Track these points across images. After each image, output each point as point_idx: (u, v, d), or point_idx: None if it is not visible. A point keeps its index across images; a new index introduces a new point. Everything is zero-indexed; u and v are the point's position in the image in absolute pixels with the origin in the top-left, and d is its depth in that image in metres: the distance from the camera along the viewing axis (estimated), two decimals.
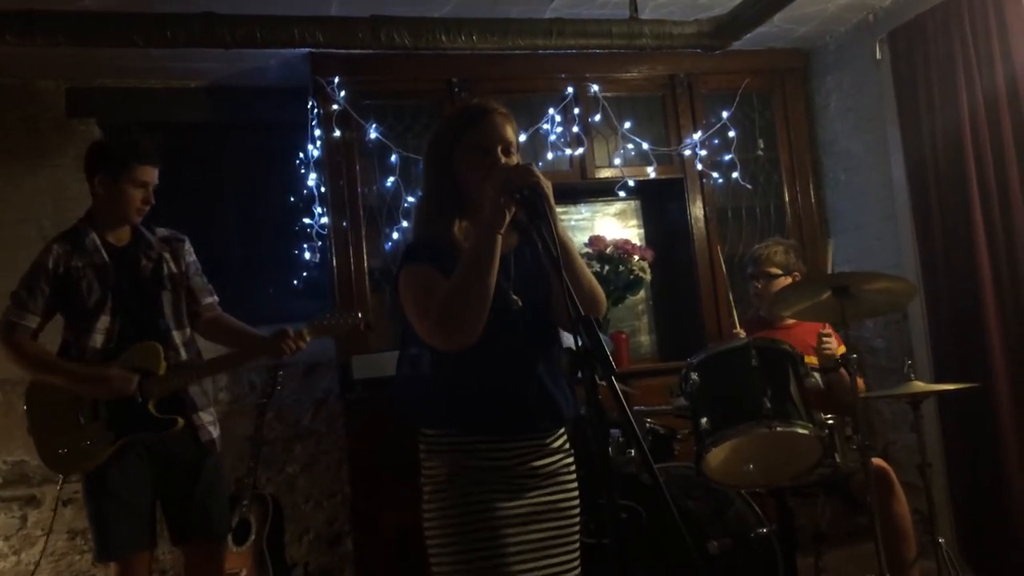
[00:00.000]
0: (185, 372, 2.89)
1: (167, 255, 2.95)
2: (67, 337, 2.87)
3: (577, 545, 1.97)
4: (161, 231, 3.01)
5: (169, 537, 2.94)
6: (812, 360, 3.31)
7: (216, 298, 3.13)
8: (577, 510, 1.99)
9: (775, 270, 3.58)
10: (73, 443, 2.81)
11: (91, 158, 2.88)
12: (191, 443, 2.89)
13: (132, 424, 2.80)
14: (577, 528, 1.99)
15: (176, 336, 2.92)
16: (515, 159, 1.95)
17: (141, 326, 2.86)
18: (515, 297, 1.92)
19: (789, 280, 3.56)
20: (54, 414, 2.84)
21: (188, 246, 3.04)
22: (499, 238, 1.79)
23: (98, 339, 2.82)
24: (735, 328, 3.54)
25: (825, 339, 3.32)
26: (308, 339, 2.95)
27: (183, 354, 2.93)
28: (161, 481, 2.88)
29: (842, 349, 3.20)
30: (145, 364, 2.82)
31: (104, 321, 2.82)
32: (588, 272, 1.97)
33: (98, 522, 2.79)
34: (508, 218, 1.79)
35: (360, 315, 3.10)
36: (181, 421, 2.84)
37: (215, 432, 2.97)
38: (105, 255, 2.85)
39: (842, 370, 3.22)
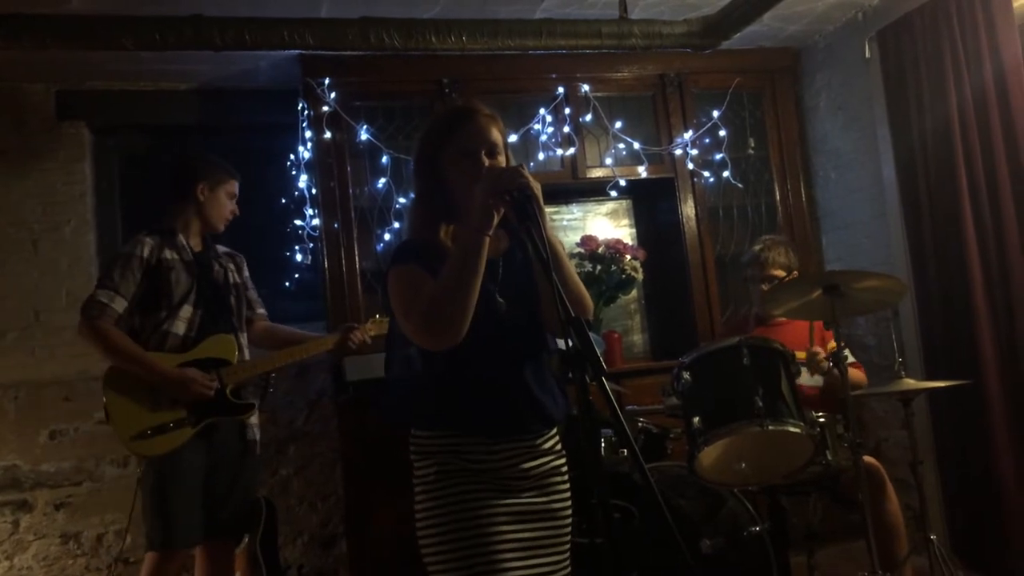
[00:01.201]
0: (258, 360, 3.13)
1: (232, 266, 3.26)
2: (143, 325, 3.00)
3: (568, 546, 1.98)
4: (221, 248, 3.30)
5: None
6: (803, 356, 3.31)
7: (265, 311, 3.42)
8: (569, 512, 2.00)
9: (780, 272, 3.57)
10: (159, 425, 2.91)
11: (192, 167, 3.18)
12: (239, 440, 3.09)
13: (213, 408, 2.98)
14: (568, 530, 1.99)
15: (242, 337, 3.18)
16: (501, 160, 1.95)
17: (217, 320, 3.08)
18: (501, 300, 1.93)
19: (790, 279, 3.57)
20: (136, 398, 2.93)
21: (243, 262, 3.37)
22: (486, 240, 1.79)
23: (180, 327, 2.99)
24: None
25: (815, 356, 3.30)
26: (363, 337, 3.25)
27: (246, 354, 3.17)
28: (212, 475, 3.02)
29: (831, 345, 3.20)
30: (221, 353, 3.03)
31: (187, 311, 3.01)
32: (575, 274, 1.98)
33: (162, 508, 2.90)
34: (496, 220, 1.79)
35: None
36: (256, 404, 3.10)
37: (259, 433, 3.19)
38: (192, 253, 3.10)
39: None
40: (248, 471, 3.14)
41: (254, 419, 3.15)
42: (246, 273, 3.35)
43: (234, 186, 3.22)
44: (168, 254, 3.02)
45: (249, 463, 3.15)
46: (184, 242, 3.09)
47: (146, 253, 2.98)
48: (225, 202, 3.19)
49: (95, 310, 2.90)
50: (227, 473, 3.06)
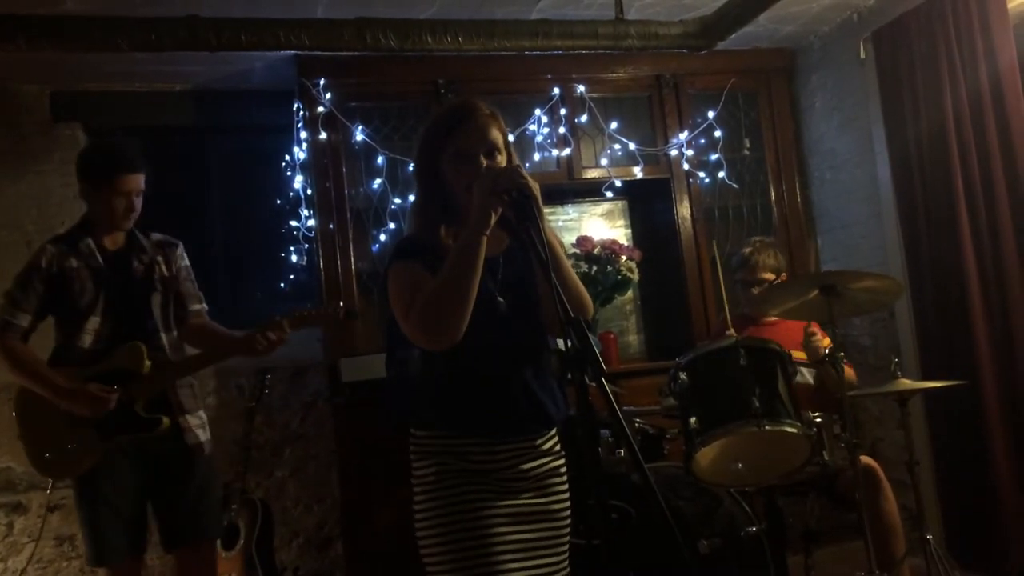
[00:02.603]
0: (167, 370, 2.89)
1: (160, 259, 2.98)
2: (58, 339, 2.88)
3: (567, 547, 1.98)
4: (156, 236, 3.04)
5: (160, 541, 2.93)
6: (799, 355, 3.32)
7: (205, 306, 3.14)
8: (568, 513, 1.99)
9: (770, 275, 3.59)
10: (59, 447, 2.80)
11: (77, 168, 2.93)
12: (178, 446, 2.88)
13: (118, 426, 2.78)
14: (567, 531, 1.99)
15: (164, 337, 2.94)
16: (501, 160, 1.94)
17: (129, 327, 2.86)
18: (500, 299, 1.92)
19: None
20: (42, 418, 2.82)
21: (181, 251, 3.07)
22: (484, 240, 1.79)
23: (87, 339, 2.82)
24: (728, 329, 3.52)
25: (812, 337, 3.33)
26: (288, 331, 2.90)
27: (170, 356, 2.93)
28: (150, 485, 2.88)
29: (827, 342, 3.21)
30: (129, 364, 2.82)
31: (94, 322, 2.82)
32: (574, 274, 1.97)
33: (90, 527, 2.78)
34: (493, 219, 1.79)
35: (341, 304, 3.15)
36: (166, 421, 2.82)
37: (204, 435, 2.95)
38: (100, 258, 2.88)
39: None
40: (197, 476, 2.90)
41: (195, 421, 2.92)
42: (183, 263, 3.06)
43: (129, 182, 2.84)
44: (72, 262, 2.83)
45: (199, 467, 2.91)
46: (92, 246, 2.86)
47: (44, 263, 2.81)
48: (114, 203, 2.84)
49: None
50: (171, 480, 2.87)
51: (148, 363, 2.83)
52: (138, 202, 2.90)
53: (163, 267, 2.98)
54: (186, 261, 3.09)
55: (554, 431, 2.02)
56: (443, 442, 1.90)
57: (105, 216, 2.88)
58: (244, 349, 2.90)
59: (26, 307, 2.82)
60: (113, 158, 2.88)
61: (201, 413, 3.00)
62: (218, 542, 3.46)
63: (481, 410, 1.91)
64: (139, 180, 2.89)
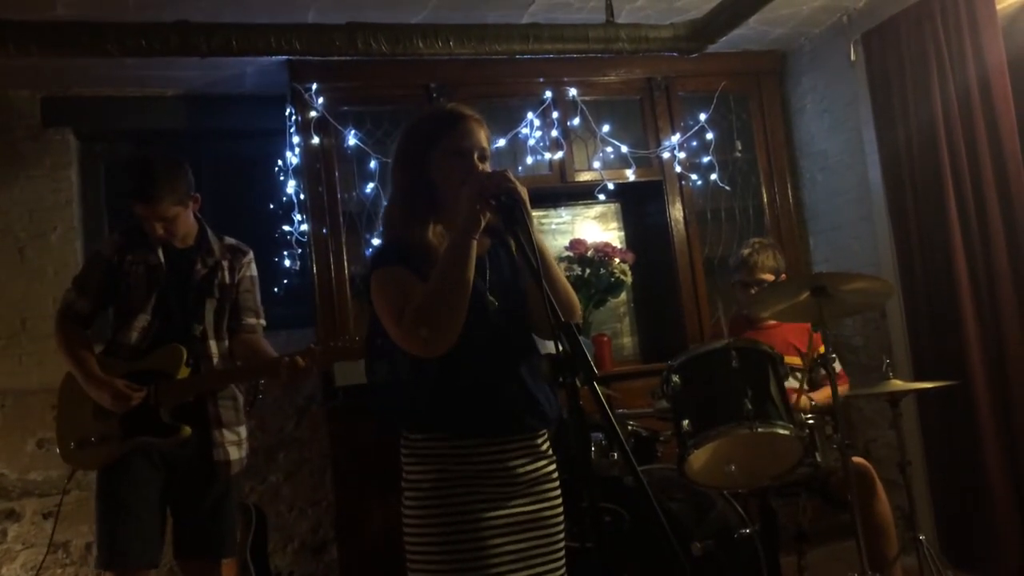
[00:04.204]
0: (200, 379, 2.83)
1: (225, 264, 2.92)
2: (112, 331, 2.87)
3: (562, 555, 1.96)
4: (229, 240, 3.00)
5: (173, 550, 2.88)
6: (794, 360, 3.32)
7: (262, 322, 3.04)
8: (561, 519, 1.98)
9: (769, 276, 3.58)
10: (82, 437, 2.79)
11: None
12: (204, 458, 2.81)
13: (140, 426, 2.75)
14: (562, 538, 1.97)
15: (213, 345, 2.87)
16: (488, 166, 1.94)
17: (177, 330, 2.82)
18: (491, 298, 1.93)
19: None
20: (75, 406, 2.82)
21: (250, 259, 3.01)
22: (474, 244, 1.79)
23: (133, 336, 2.80)
24: (723, 332, 3.50)
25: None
26: (314, 362, 2.77)
27: (216, 365, 2.86)
28: (171, 491, 2.83)
29: (821, 348, 3.22)
30: (164, 366, 2.78)
31: (143, 319, 2.80)
32: (563, 277, 1.97)
33: (104, 527, 2.73)
34: (482, 224, 1.79)
35: (357, 337, 3.02)
36: (186, 431, 2.76)
37: (236, 453, 2.86)
38: (161, 256, 2.84)
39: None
40: (214, 495, 2.83)
41: (231, 436, 2.85)
42: (249, 273, 2.98)
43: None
44: (131, 256, 2.81)
45: (217, 485, 2.83)
46: (154, 242, 2.82)
47: (107, 252, 2.82)
48: (151, 226, 2.78)
49: (61, 309, 2.84)
50: (191, 491, 2.82)
51: (186, 369, 2.79)
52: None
53: (226, 273, 2.91)
54: (253, 271, 3.01)
55: (546, 432, 2.01)
56: (442, 444, 1.89)
57: (150, 235, 2.81)
58: (269, 372, 2.81)
59: (86, 292, 2.83)
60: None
61: (241, 429, 2.91)
62: None
63: (481, 409, 1.89)
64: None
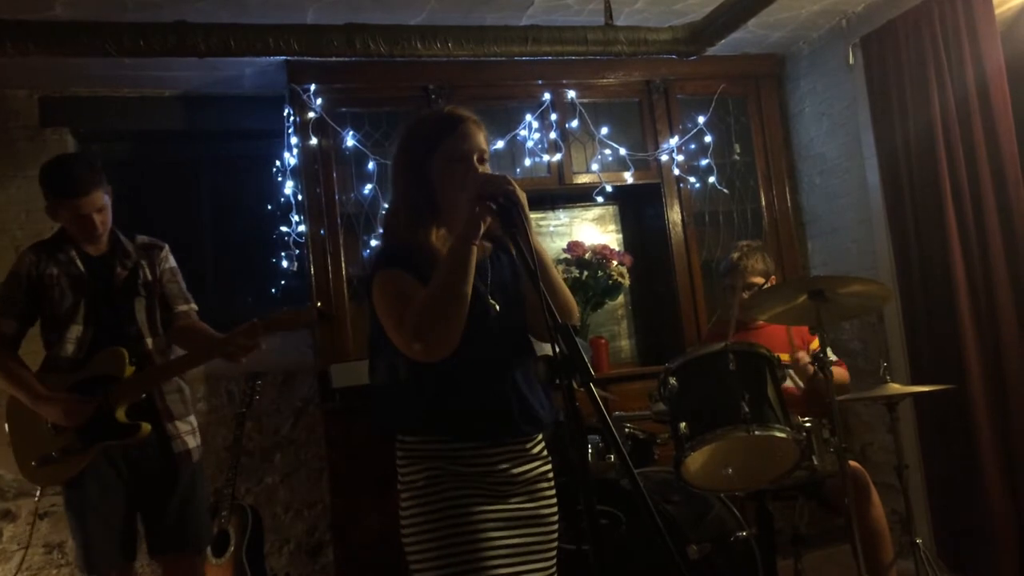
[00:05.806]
0: (149, 375, 2.86)
1: (144, 262, 2.94)
2: (45, 347, 2.86)
3: (555, 553, 1.97)
4: (141, 238, 3.01)
5: (147, 548, 2.91)
6: (785, 358, 3.32)
7: (193, 306, 3.07)
8: (555, 518, 1.99)
9: (759, 279, 3.58)
10: (44, 454, 2.79)
11: (41, 181, 2.83)
12: (164, 453, 2.85)
13: (99, 432, 2.76)
14: (555, 537, 1.98)
15: (149, 343, 2.90)
16: (487, 169, 1.94)
17: (112, 334, 2.84)
18: (492, 301, 1.93)
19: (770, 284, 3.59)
20: (28, 426, 2.81)
21: (166, 253, 3.03)
22: (474, 248, 1.79)
23: (69, 348, 2.80)
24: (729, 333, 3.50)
25: (798, 362, 3.31)
26: (260, 336, 2.81)
27: (157, 361, 2.90)
28: (137, 492, 2.85)
29: (815, 344, 3.21)
30: (109, 370, 2.79)
31: (75, 330, 2.81)
32: (561, 280, 1.97)
33: (79, 535, 2.77)
34: (483, 228, 1.79)
35: (320, 304, 3.10)
36: (146, 427, 2.78)
37: (192, 442, 2.93)
38: (80, 265, 2.85)
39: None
40: (182, 484, 2.86)
41: (184, 427, 2.90)
42: (165, 265, 3.00)
43: (84, 204, 2.75)
44: (52, 269, 2.80)
45: (185, 474, 2.87)
46: (72, 253, 2.84)
47: (24, 270, 2.80)
48: (76, 222, 2.79)
49: None
50: (157, 487, 2.84)
51: (130, 368, 2.81)
52: (102, 216, 2.83)
53: (147, 271, 2.94)
54: (171, 262, 3.04)
55: (541, 435, 2.01)
56: (434, 447, 1.89)
57: (73, 233, 2.84)
58: (221, 351, 2.85)
59: (8, 314, 2.80)
60: (65, 181, 2.77)
61: (191, 419, 2.97)
62: (208, 549, 3.44)
63: (474, 414, 1.90)
64: (96, 199, 2.79)
